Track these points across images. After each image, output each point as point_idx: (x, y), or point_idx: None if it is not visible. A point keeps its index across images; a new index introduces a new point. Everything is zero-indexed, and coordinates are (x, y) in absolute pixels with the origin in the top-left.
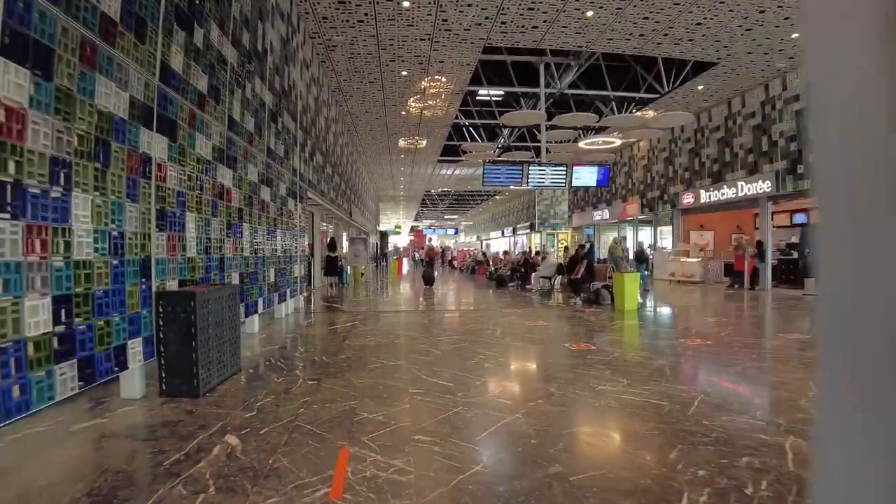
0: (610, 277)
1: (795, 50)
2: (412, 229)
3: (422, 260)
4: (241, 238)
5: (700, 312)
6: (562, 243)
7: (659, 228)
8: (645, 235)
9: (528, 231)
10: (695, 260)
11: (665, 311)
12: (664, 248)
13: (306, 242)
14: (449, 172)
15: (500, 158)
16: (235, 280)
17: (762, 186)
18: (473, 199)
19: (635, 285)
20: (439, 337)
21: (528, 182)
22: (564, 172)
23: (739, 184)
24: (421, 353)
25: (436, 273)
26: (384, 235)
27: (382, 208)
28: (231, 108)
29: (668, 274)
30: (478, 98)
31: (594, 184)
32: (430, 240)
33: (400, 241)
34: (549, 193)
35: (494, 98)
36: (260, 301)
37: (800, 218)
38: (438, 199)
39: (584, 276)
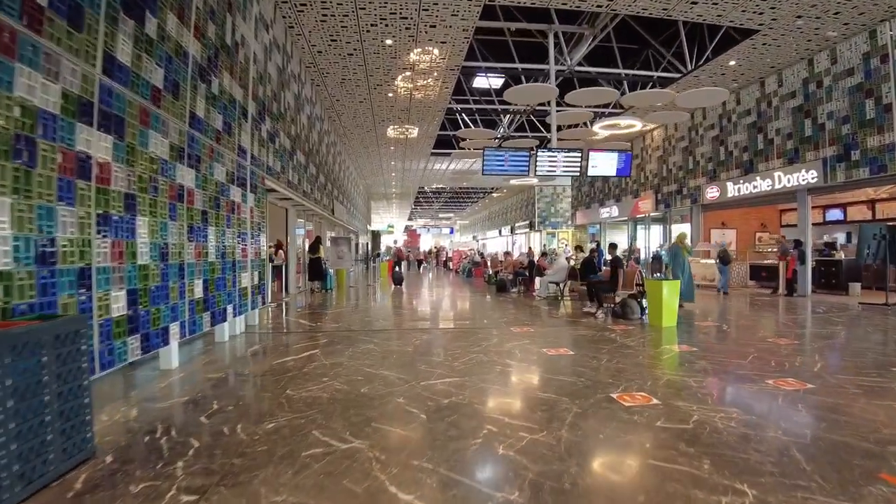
0: (639, 285)
1: (856, 11)
2: (406, 229)
3: (418, 261)
4: (132, 238)
5: (758, 331)
6: (562, 242)
7: (669, 227)
8: (655, 234)
9: (527, 230)
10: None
11: (711, 328)
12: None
13: (264, 243)
14: (443, 167)
15: (502, 145)
16: (120, 302)
17: (805, 177)
18: (469, 197)
19: (675, 296)
20: (425, 382)
21: (535, 171)
22: (579, 159)
23: (776, 174)
24: (394, 422)
25: (403, 273)
26: (376, 235)
27: (374, 207)
28: (112, 42)
29: None
30: (475, 87)
31: (613, 173)
32: (396, 242)
33: (392, 241)
34: (550, 190)
35: (494, 87)
36: (174, 327)
37: (834, 214)
38: (433, 196)
39: (610, 283)
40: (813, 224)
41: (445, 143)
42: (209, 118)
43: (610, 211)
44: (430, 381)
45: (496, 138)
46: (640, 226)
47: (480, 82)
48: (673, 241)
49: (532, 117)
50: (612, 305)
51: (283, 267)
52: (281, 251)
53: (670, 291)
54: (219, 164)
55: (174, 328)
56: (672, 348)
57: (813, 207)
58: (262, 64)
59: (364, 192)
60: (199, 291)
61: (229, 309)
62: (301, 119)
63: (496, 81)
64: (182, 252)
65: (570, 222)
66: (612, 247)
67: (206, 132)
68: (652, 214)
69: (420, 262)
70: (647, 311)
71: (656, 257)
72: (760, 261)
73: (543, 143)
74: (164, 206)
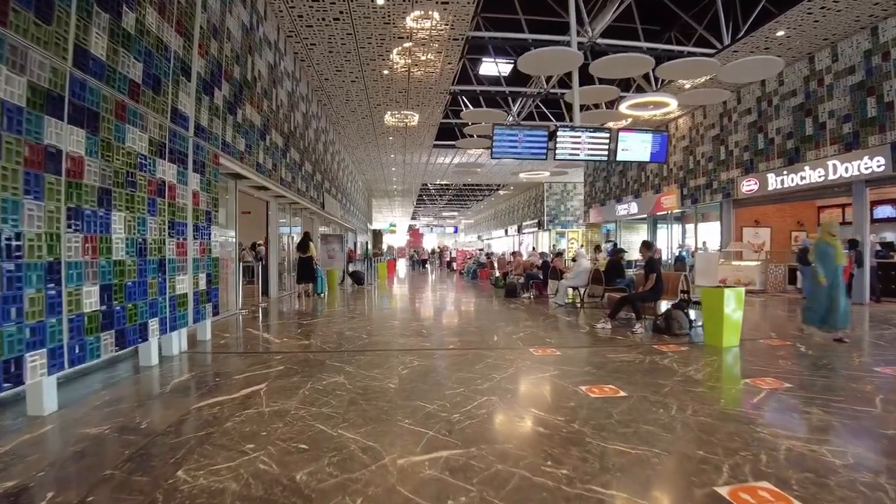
0: (684, 292)
1: None
2: (410, 228)
3: (422, 261)
4: None
5: (852, 353)
6: (572, 243)
7: (686, 226)
8: (675, 233)
9: (535, 230)
10: (754, 263)
11: (783, 348)
12: (708, 249)
13: (215, 238)
14: (447, 161)
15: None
16: None
17: (869, 165)
18: (474, 195)
19: (740, 307)
20: (406, 459)
21: (555, 153)
22: (607, 140)
23: (831, 163)
24: None
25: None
26: (377, 234)
27: (377, 205)
28: None
29: (718, 281)
30: (482, 75)
31: (647, 158)
32: (360, 239)
33: (395, 240)
34: (560, 187)
35: (503, 74)
36: (33, 357)
37: (885, 211)
38: (437, 194)
39: (653, 291)
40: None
41: (449, 134)
42: (116, 61)
43: (628, 208)
44: (414, 458)
45: (504, 122)
46: (662, 224)
47: (488, 69)
48: (818, 234)
49: (542, 106)
50: (655, 318)
51: (261, 267)
52: (254, 250)
53: (735, 301)
54: (135, 128)
55: (34, 359)
56: (756, 384)
57: (834, 206)
58: (217, 14)
59: (364, 189)
60: (91, 302)
61: (152, 324)
62: (278, 95)
63: (505, 68)
64: (56, 246)
65: (581, 221)
66: (647, 246)
67: (111, 80)
68: (675, 211)
69: (424, 262)
70: (695, 325)
71: (679, 258)
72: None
73: (570, 118)
74: (14, 177)
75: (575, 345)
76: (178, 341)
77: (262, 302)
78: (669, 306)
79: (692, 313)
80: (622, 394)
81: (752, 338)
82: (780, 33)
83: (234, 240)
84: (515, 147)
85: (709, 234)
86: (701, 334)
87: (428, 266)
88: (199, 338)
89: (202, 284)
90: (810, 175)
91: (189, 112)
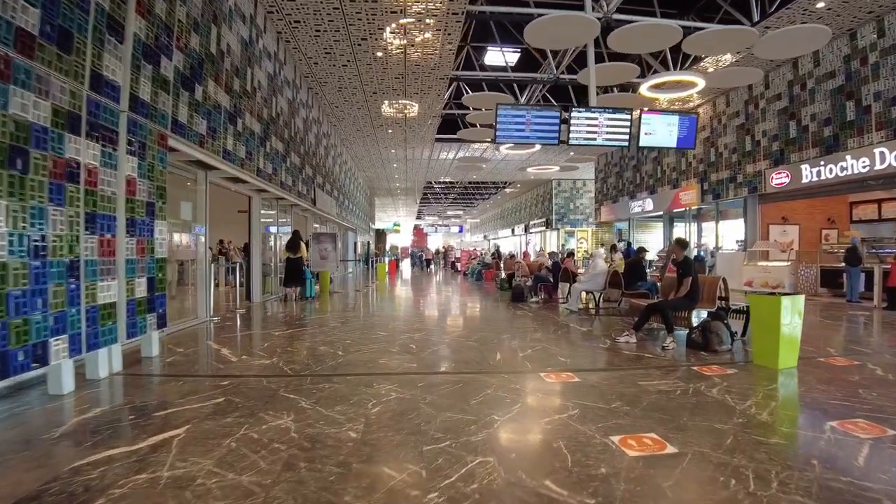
0: (723, 299)
1: None
2: (415, 228)
3: (426, 261)
4: None
5: None
6: (581, 242)
7: (702, 224)
8: (691, 233)
9: (543, 229)
10: (783, 264)
11: (855, 370)
12: (731, 249)
13: (161, 234)
14: (450, 156)
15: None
16: None
17: None
18: (479, 193)
19: (799, 320)
20: None
21: (569, 137)
22: (628, 123)
23: (878, 151)
24: None
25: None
26: (381, 233)
27: (380, 204)
28: None
29: (743, 283)
30: (487, 64)
31: (673, 144)
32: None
33: (400, 239)
34: (569, 184)
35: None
36: None
37: None
38: (441, 193)
39: (687, 298)
40: (866, 221)
41: (452, 126)
42: None
43: (643, 205)
44: None
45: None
46: (679, 222)
47: (494, 58)
48: None
49: (549, 97)
50: (689, 330)
51: (238, 268)
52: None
53: (793, 312)
54: (25, 91)
55: None
56: (848, 431)
57: (864, 202)
58: None
59: (365, 187)
60: None
61: (56, 344)
62: (255, 76)
63: (512, 57)
64: None
65: (591, 219)
66: (681, 244)
67: None
68: (694, 208)
69: (429, 262)
70: (738, 337)
71: (697, 258)
72: (835, 264)
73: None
74: None
75: (596, 366)
76: (106, 362)
77: (240, 308)
78: (706, 316)
79: (733, 324)
80: (670, 449)
81: (808, 355)
82: (821, 4)
83: (204, 238)
84: (522, 130)
85: (727, 232)
86: (743, 348)
87: (432, 266)
88: (144, 354)
89: (141, 291)
90: (852, 165)
91: (121, 80)
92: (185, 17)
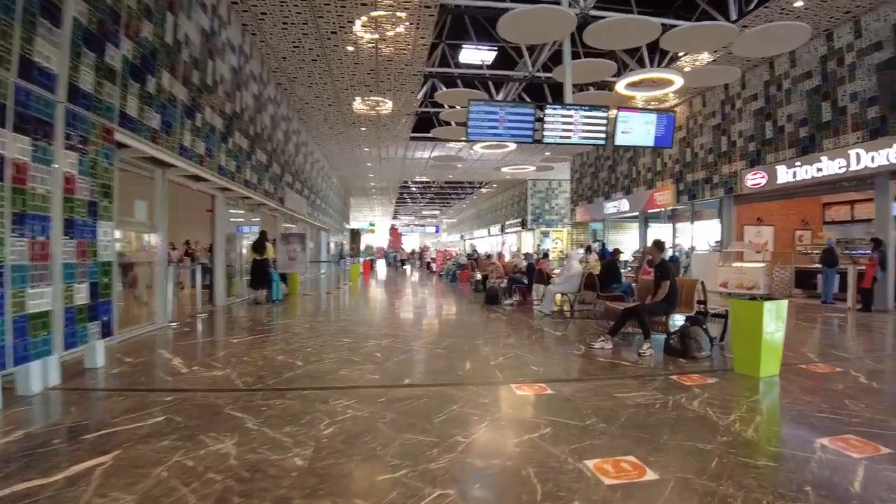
0: (701, 303)
1: None
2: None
3: (401, 261)
4: None
5: None
6: (556, 242)
7: (676, 225)
8: (666, 234)
9: (518, 229)
10: (758, 265)
11: (838, 378)
12: (706, 249)
13: (105, 236)
14: (425, 155)
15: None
16: None
17: None
18: (456, 193)
19: (782, 325)
20: None
21: (542, 134)
22: (604, 121)
23: (854, 152)
24: None
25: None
26: (356, 233)
27: (355, 204)
28: None
29: (719, 284)
30: (462, 62)
31: (650, 143)
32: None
33: (375, 239)
34: (545, 185)
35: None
36: None
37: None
38: (418, 193)
39: (665, 302)
40: (839, 222)
41: (427, 125)
42: None
43: (618, 205)
44: None
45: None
46: (654, 222)
47: (469, 56)
48: None
49: (525, 96)
50: (667, 336)
51: (201, 270)
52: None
53: (776, 318)
54: None
55: None
56: (839, 449)
57: (837, 203)
58: None
59: (339, 187)
60: None
61: None
62: (217, 70)
63: (488, 56)
64: None
65: (566, 220)
66: (658, 246)
67: None
68: (669, 208)
69: (403, 262)
70: (717, 343)
71: (672, 259)
72: (809, 265)
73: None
74: None
75: (570, 376)
76: (40, 375)
77: (202, 312)
78: (685, 321)
79: (712, 329)
80: (650, 475)
81: (789, 361)
82: (798, 4)
83: (161, 239)
84: (495, 127)
85: (702, 233)
86: (722, 354)
87: (407, 267)
88: (87, 365)
89: (81, 298)
90: (828, 166)
91: (56, 69)
92: (136, 2)
